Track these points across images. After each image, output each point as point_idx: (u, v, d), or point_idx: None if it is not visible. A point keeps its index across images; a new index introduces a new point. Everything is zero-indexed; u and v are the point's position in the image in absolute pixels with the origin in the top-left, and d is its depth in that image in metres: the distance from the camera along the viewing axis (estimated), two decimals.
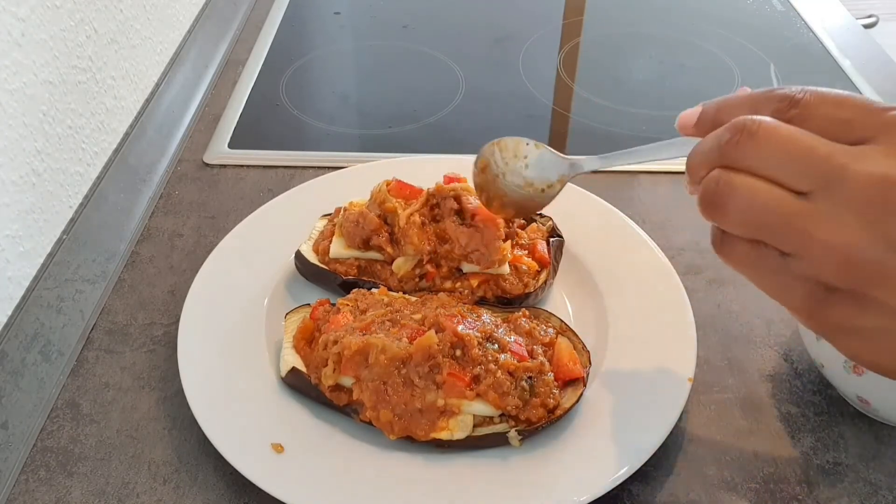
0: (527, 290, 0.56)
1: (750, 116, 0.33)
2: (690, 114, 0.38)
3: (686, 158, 0.37)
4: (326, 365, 0.49)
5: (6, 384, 0.51)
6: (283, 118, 0.83)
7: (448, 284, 0.56)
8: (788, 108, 0.33)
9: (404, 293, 0.56)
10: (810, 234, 0.31)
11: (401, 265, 0.57)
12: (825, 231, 0.31)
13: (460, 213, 0.56)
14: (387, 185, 0.58)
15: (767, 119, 0.33)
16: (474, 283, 0.56)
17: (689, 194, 0.36)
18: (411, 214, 0.56)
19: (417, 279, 0.57)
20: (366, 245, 0.57)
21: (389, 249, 0.57)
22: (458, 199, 0.56)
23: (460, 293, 0.56)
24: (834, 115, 0.32)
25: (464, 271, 0.57)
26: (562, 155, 0.50)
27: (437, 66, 0.92)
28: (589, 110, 0.85)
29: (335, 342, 0.49)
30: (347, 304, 0.54)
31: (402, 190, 0.58)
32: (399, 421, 0.47)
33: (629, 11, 1.06)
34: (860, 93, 0.85)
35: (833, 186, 0.30)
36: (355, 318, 0.52)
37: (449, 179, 0.58)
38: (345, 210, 0.59)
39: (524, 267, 0.57)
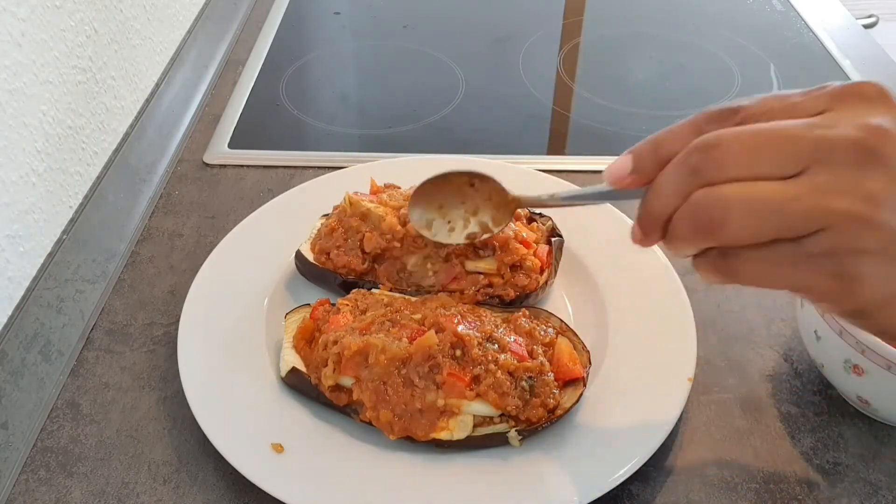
0: (527, 291, 0.56)
1: (703, 135, 0.31)
2: (620, 164, 0.35)
3: (639, 204, 0.34)
4: (326, 365, 0.49)
5: (6, 384, 0.51)
6: (283, 118, 0.83)
7: (469, 264, 0.55)
8: (731, 116, 0.32)
9: (403, 294, 0.56)
10: (825, 207, 0.29)
11: (416, 263, 0.56)
12: (836, 199, 0.29)
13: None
14: (349, 198, 0.58)
15: (721, 130, 0.31)
16: (493, 265, 0.55)
17: (638, 244, 0.34)
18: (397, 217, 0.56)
19: (443, 261, 0.56)
20: (374, 259, 0.57)
21: (395, 254, 0.56)
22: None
23: (461, 293, 0.56)
24: (780, 105, 0.32)
25: (468, 270, 0.56)
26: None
27: (437, 66, 0.92)
28: (589, 110, 0.85)
29: (335, 342, 0.49)
30: (347, 304, 0.54)
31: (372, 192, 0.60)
32: (399, 421, 0.47)
33: (629, 11, 1.06)
34: None
35: (824, 156, 0.29)
36: (355, 318, 0.52)
37: None
38: (328, 232, 0.59)
39: (528, 263, 0.56)
